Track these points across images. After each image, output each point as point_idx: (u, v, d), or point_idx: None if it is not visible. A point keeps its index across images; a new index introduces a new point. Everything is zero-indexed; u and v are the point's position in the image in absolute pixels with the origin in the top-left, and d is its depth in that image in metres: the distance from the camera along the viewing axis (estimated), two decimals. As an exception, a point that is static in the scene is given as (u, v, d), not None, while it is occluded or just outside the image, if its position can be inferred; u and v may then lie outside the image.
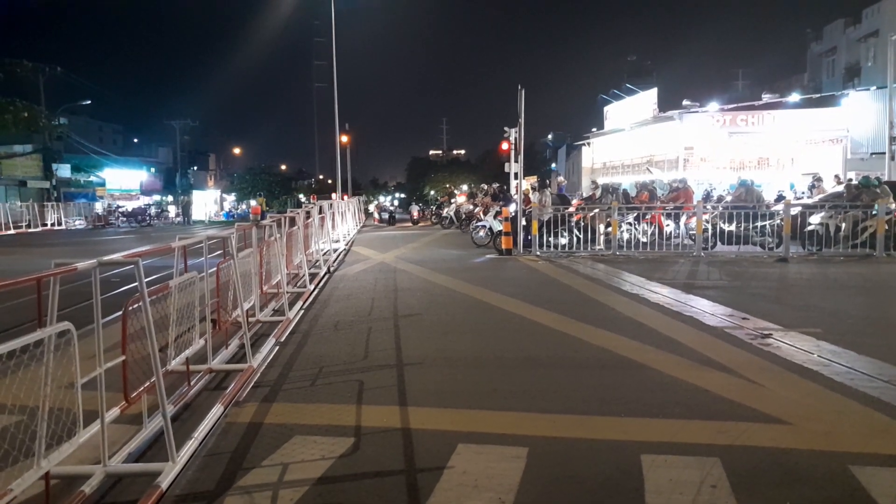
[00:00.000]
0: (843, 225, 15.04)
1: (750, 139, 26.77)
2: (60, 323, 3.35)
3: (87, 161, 52.06)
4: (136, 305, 4.10)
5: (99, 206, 46.30)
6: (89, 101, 50.56)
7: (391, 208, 41.32)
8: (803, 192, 22.16)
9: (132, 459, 4.07)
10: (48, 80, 42.16)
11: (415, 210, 37.18)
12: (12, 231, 33.06)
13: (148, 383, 4.28)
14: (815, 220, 15.33)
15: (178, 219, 45.60)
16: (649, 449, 4.11)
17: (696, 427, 4.52)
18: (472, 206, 27.50)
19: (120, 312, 4.22)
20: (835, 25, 45.34)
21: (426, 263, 14.59)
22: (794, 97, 29.26)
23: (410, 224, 34.03)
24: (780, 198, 19.65)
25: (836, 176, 21.83)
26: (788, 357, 6.26)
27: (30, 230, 34.50)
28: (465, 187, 50.85)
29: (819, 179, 20.04)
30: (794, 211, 15.39)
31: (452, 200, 34.08)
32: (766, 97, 29.13)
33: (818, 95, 30.17)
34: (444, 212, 31.13)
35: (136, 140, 73.36)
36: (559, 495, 3.58)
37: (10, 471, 3.04)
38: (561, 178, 31.83)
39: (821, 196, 17.78)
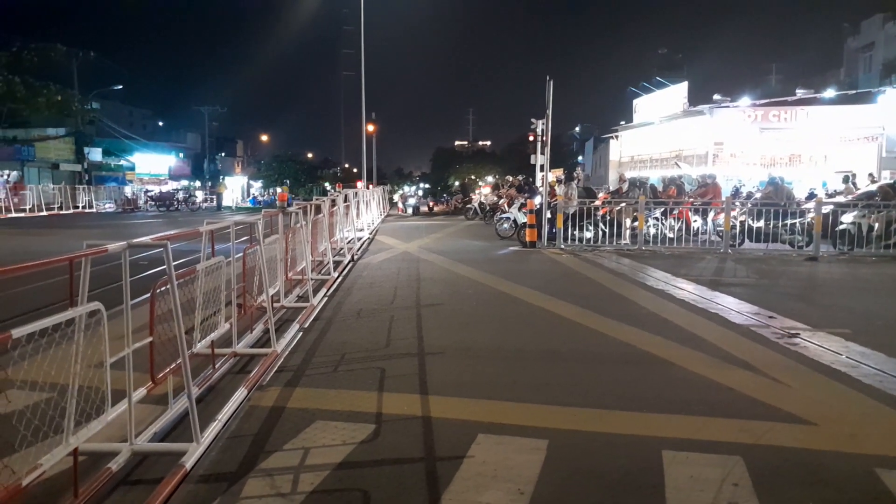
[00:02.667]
0: (877, 225, 14.73)
1: (782, 135, 26.27)
2: (91, 303, 3.41)
3: (118, 145, 52.87)
4: (163, 288, 4.16)
5: (128, 190, 47.05)
6: (121, 86, 51.37)
7: (413, 200, 41.37)
8: (835, 190, 21.74)
9: (157, 439, 4.14)
10: (81, 64, 42.81)
11: (431, 202, 45.07)
12: (45, 213, 33.75)
13: (174, 365, 4.35)
14: (847, 219, 15.02)
15: (209, 203, 46.58)
16: (670, 445, 4.08)
17: (718, 425, 4.47)
18: (496, 198, 27.44)
19: (148, 294, 4.30)
20: (873, 20, 44.17)
21: (449, 254, 14.60)
22: (829, 93, 28.60)
23: (427, 211, 38.37)
24: (811, 195, 19.29)
25: (870, 174, 21.36)
26: (815, 357, 6.16)
27: (62, 212, 35.19)
28: (489, 178, 51.20)
29: (846, 179, 19.60)
30: (826, 209, 15.11)
31: (477, 192, 34.28)
32: (800, 93, 28.51)
33: (854, 92, 29.43)
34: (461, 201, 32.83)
35: (162, 124, 74.19)
36: (578, 488, 3.57)
37: (41, 446, 3.11)
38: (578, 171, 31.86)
39: (851, 196, 17.40)
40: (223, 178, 59.59)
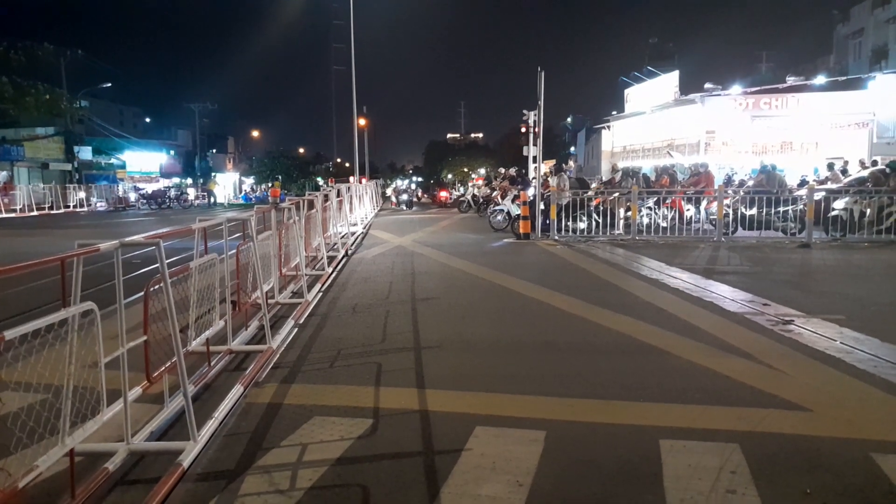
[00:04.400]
0: (868, 210, 14.80)
1: (773, 123, 26.31)
2: (84, 303, 3.39)
3: (108, 144, 52.51)
4: (157, 286, 4.14)
5: (120, 189, 46.79)
6: (110, 84, 51.04)
7: (406, 196, 40.67)
8: (826, 177, 21.84)
9: (154, 438, 4.13)
10: (69, 63, 42.44)
11: (420, 192, 52.61)
12: (35, 213, 33.56)
13: (169, 363, 4.33)
14: (839, 205, 15.08)
15: (201, 201, 46.53)
16: (668, 434, 4.09)
17: (715, 413, 4.49)
18: (489, 190, 27.42)
19: (141, 293, 4.27)
20: (862, 6, 44.25)
21: (444, 247, 14.58)
22: (820, 80, 28.64)
23: (417, 200, 41.68)
24: (803, 182, 19.35)
25: (861, 161, 21.43)
26: (810, 344, 6.19)
27: (52, 212, 34.99)
28: (482, 171, 51.55)
29: (831, 166, 19.63)
30: (818, 196, 15.16)
31: (469, 184, 34.48)
32: (791, 80, 28.55)
33: (844, 78, 29.48)
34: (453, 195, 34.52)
35: (153, 122, 73.74)
36: (577, 479, 3.58)
37: (37, 448, 3.09)
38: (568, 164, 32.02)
39: (842, 183, 17.46)
40: (215, 175, 59.39)
